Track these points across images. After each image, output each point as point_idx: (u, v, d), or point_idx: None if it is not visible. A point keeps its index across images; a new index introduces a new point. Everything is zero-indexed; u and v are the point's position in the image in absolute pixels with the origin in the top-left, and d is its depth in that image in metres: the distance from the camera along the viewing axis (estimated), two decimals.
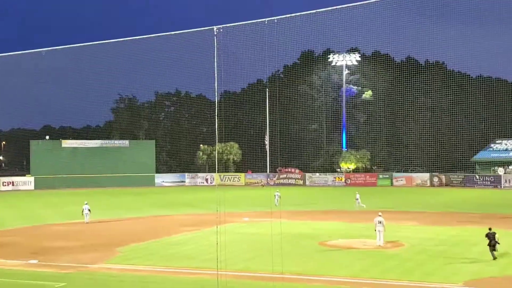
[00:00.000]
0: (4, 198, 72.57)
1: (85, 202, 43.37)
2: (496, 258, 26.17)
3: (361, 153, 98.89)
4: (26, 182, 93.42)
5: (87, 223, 41.91)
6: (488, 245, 26.58)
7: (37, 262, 27.00)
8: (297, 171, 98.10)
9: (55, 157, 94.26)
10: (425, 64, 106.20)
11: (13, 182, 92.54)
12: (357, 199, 51.78)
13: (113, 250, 30.96)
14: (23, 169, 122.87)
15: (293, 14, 35.63)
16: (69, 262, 26.75)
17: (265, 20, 32.35)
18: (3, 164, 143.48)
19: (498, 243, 26.47)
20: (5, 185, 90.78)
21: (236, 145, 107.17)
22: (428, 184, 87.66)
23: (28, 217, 49.66)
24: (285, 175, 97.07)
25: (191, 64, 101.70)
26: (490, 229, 27.16)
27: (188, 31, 40.87)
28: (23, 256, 27.87)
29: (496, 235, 26.65)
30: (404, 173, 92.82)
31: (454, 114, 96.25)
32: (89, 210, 43.27)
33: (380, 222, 30.49)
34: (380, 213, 31.10)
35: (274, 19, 32.31)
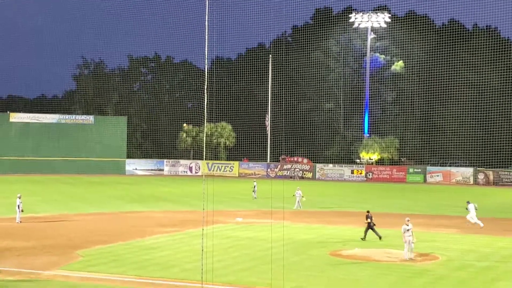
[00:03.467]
0: None
1: (18, 195, 42.67)
2: None
3: (387, 141, 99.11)
4: None
5: (18, 223, 41.46)
6: None
7: None
8: (305, 161, 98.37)
9: (1, 134, 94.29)
10: (473, 29, 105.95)
11: None
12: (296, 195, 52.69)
13: (72, 254, 31.07)
14: None
15: None
16: (17, 267, 26.85)
17: None
18: None
19: None
20: None
21: (229, 127, 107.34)
22: (471, 182, 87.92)
23: None
24: (290, 166, 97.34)
25: (175, 22, 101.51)
26: (368, 211, 32.69)
27: None
28: None
29: None
30: (441, 167, 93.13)
31: (507, 93, 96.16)
32: (19, 206, 41.41)
33: (409, 231, 30.54)
34: (408, 219, 31.13)
35: None
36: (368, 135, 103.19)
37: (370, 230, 35.84)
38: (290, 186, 58.75)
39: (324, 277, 26.80)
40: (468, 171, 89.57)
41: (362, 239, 35.56)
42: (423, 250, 32.32)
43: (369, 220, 35.83)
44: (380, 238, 35.44)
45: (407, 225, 30.60)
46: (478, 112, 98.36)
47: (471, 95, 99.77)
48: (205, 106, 24.40)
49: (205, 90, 25.29)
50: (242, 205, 55.75)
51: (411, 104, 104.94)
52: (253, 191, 61.61)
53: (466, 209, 43.59)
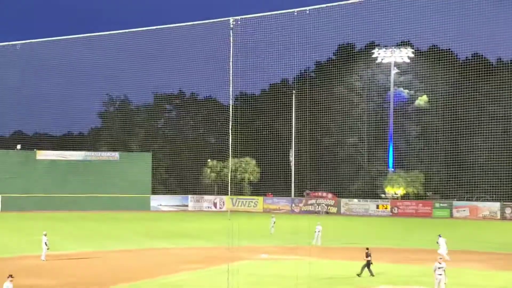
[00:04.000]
0: None
1: (44, 233, 42.98)
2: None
3: (412, 175, 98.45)
4: None
5: (43, 260, 41.63)
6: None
7: None
8: (329, 195, 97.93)
9: (27, 172, 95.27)
10: (497, 63, 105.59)
11: None
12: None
13: None
14: None
15: (330, 4, 35.66)
16: None
17: (294, 11, 32.38)
18: None
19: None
20: None
21: (253, 162, 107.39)
22: (499, 217, 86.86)
23: None
24: (314, 201, 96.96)
25: (200, 60, 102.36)
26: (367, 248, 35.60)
27: (198, 23, 40.85)
28: None
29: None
30: (467, 202, 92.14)
31: None
32: (46, 243, 41.79)
33: (440, 269, 29.88)
34: (441, 257, 30.56)
35: (306, 10, 32.33)
36: (393, 169, 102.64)
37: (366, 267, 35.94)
38: (315, 222, 58.41)
39: None
40: (495, 205, 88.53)
41: (358, 275, 35.49)
42: (451, 286, 31.88)
43: (369, 258, 35.90)
44: (372, 275, 35.58)
45: (440, 263, 29.91)
46: (504, 146, 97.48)
47: (497, 129, 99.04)
48: (230, 141, 24.52)
49: (230, 126, 25.46)
50: (266, 241, 55.50)
51: (436, 138, 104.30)
52: (271, 226, 61.18)
53: (437, 242, 43.55)
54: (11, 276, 25.10)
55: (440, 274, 29.69)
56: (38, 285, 32.12)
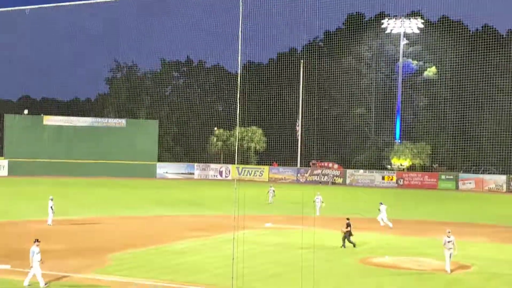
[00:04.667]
0: None
1: (50, 197, 43.39)
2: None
3: (419, 147, 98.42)
4: None
5: (50, 225, 42.07)
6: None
7: (10, 268, 27.54)
8: (335, 166, 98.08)
9: (34, 137, 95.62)
10: (507, 34, 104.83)
11: None
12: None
13: (104, 257, 31.44)
14: None
15: None
16: (49, 270, 27.16)
17: None
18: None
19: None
20: None
21: (260, 131, 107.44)
22: (504, 190, 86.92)
23: (0, 210, 50.54)
24: (320, 171, 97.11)
25: (208, 27, 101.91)
26: (348, 219, 36.17)
27: None
28: None
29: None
30: (473, 174, 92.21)
31: None
32: (52, 208, 42.27)
33: (450, 242, 29.72)
34: (449, 231, 30.43)
35: None
36: (399, 141, 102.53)
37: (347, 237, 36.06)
38: (321, 192, 58.58)
39: (353, 285, 26.75)
40: (501, 178, 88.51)
41: (342, 247, 35.52)
42: (454, 259, 32.04)
43: (349, 229, 35.82)
44: (354, 246, 35.67)
45: (448, 237, 29.78)
46: None
47: (505, 101, 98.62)
48: (238, 109, 24.49)
49: (238, 93, 25.41)
50: (270, 210, 55.78)
51: (443, 110, 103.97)
52: (270, 196, 62.01)
53: (379, 210, 45.30)
54: (37, 240, 25.44)
55: (450, 248, 29.52)
56: (45, 249, 32.37)
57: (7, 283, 25.20)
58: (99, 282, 26.11)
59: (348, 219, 36.60)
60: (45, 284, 24.75)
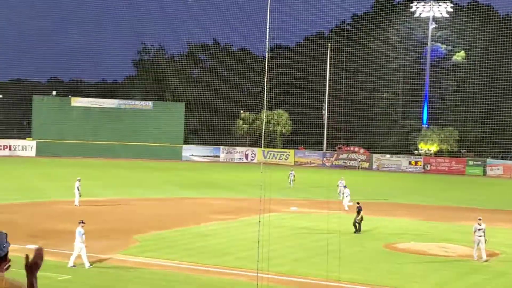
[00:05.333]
0: (0, 165, 74.70)
1: (77, 178, 43.69)
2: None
3: (446, 132, 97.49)
4: (26, 147, 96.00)
5: (77, 206, 42.37)
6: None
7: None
8: (362, 150, 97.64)
9: (62, 118, 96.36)
10: None
11: (10, 146, 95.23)
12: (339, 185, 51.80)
13: (129, 238, 31.64)
14: (22, 130, 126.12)
15: None
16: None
17: None
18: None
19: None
20: (0, 149, 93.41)
21: (286, 114, 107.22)
22: None
23: (27, 190, 51.07)
24: (346, 155, 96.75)
25: (235, 10, 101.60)
26: (358, 202, 35.75)
27: None
28: (19, 240, 28.70)
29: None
30: (501, 161, 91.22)
31: None
32: (79, 189, 42.62)
33: (480, 230, 29.13)
34: (480, 218, 29.91)
35: None
36: (427, 125, 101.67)
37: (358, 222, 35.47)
38: (346, 176, 58.33)
39: (378, 270, 26.62)
40: None
41: (355, 232, 34.99)
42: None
43: (360, 214, 35.32)
44: (359, 232, 35.18)
45: (479, 225, 29.20)
46: None
47: None
48: (265, 92, 24.37)
49: (265, 76, 25.27)
50: (296, 194, 55.71)
51: (472, 95, 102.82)
52: (290, 180, 61.76)
53: (342, 193, 46.10)
54: (82, 221, 25.75)
55: (480, 236, 28.89)
56: (72, 230, 32.64)
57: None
58: (124, 263, 26.27)
59: (358, 203, 36.20)
60: (90, 265, 25.00)
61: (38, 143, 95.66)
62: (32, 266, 4.65)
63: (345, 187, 46.34)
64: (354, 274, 25.07)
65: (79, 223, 25.83)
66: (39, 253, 4.70)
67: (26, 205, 42.91)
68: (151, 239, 31.83)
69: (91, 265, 25.11)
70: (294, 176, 62.44)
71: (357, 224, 35.19)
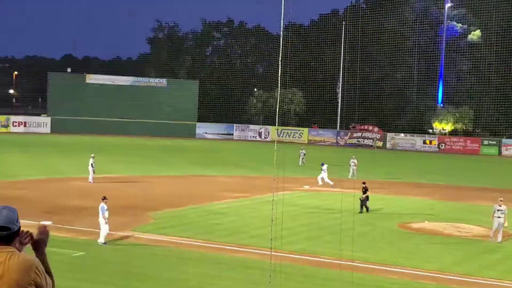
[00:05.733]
0: (15, 142, 75.12)
1: (91, 155, 43.93)
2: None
3: (461, 111, 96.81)
4: (41, 123, 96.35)
5: (91, 182, 42.61)
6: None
7: (51, 224, 27.91)
8: (376, 129, 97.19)
9: (77, 95, 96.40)
10: None
11: (25, 123, 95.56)
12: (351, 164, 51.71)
13: (144, 215, 31.72)
14: (37, 107, 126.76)
15: None
16: (89, 227, 27.48)
17: None
18: (14, 100, 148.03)
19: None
20: (15, 126, 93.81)
21: (300, 93, 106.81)
22: None
23: (42, 167, 51.31)
24: (360, 134, 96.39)
25: None
26: (364, 183, 35.23)
27: None
28: (34, 215, 28.85)
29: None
30: None
31: None
32: (92, 165, 43.11)
33: (499, 211, 28.64)
34: (501, 199, 29.39)
35: None
36: (441, 105, 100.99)
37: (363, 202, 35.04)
38: (359, 155, 58.07)
39: (392, 249, 26.55)
40: None
41: (361, 212, 34.36)
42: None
43: (367, 194, 34.85)
44: (365, 211, 34.78)
45: (500, 205, 28.78)
46: None
47: None
48: (279, 70, 24.21)
49: (280, 54, 25.12)
50: (309, 172, 55.56)
51: (487, 74, 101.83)
52: (301, 158, 61.37)
53: (321, 169, 45.68)
54: (105, 197, 25.84)
55: (499, 217, 28.46)
56: (86, 206, 32.80)
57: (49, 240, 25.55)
58: (138, 240, 26.34)
59: (364, 183, 35.67)
60: (105, 243, 25.02)
61: (53, 120, 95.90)
62: (38, 243, 4.64)
63: (322, 164, 46.08)
64: (367, 253, 25.02)
65: (102, 199, 25.81)
66: (43, 230, 4.68)
67: (41, 182, 43.11)
68: (165, 216, 31.89)
69: (105, 243, 25.12)
70: (304, 155, 62.12)
71: (362, 204, 34.83)
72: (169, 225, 29.52)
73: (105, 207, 25.46)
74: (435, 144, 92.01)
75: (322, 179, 45.24)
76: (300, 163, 60.74)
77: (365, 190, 35.10)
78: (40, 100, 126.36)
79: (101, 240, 25.09)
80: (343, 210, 30.29)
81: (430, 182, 52.37)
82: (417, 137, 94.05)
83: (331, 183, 44.30)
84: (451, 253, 26.24)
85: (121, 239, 26.39)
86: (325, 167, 45.54)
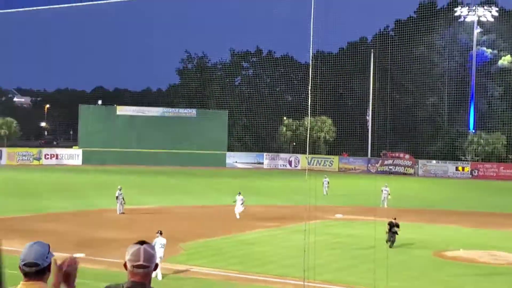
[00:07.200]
0: (47, 174, 75.82)
1: (118, 187, 44.07)
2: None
3: (494, 137, 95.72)
4: (72, 155, 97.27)
5: (121, 213, 42.68)
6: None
7: (84, 256, 27.93)
8: (407, 156, 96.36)
9: (108, 127, 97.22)
10: None
11: (57, 155, 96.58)
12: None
13: (175, 246, 31.57)
14: (69, 139, 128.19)
15: None
16: (122, 259, 27.22)
17: None
18: (46, 132, 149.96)
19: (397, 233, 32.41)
20: (47, 158, 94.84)
21: (329, 121, 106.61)
22: None
23: (74, 199, 51.61)
24: (391, 161, 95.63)
25: (276, 16, 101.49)
26: (395, 218, 33.21)
27: None
28: (67, 248, 28.91)
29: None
30: None
31: None
32: (123, 198, 43.31)
33: None
34: None
35: None
36: (473, 131, 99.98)
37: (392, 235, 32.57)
38: (391, 183, 57.52)
39: (427, 278, 26.09)
40: None
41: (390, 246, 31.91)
42: None
43: (393, 230, 32.44)
44: (391, 245, 32.13)
45: None
46: None
47: None
48: (309, 98, 24.21)
49: (310, 83, 25.12)
50: (341, 200, 55.14)
51: None
52: (324, 187, 59.17)
53: (237, 200, 42.67)
54: (160, 232, 25.89)
55: None
56: (118, 238, 32.82)
57: (82, 272, 25.55)
58: (170, 272, 26.19)
59: (395, 218, 33.34)
60: (161, 278, 24.60)
61: (84, 152, 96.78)
62: (67, 275, 4.55)
63: (239, 193, 43.25)
64: (402, 282, 24.59)
65: (157, 233, 25.58)
66: (71, 262, 4.60)
67: (73, 214, 43.33)
68: (197, 246, 31.78)
69: (162, 277, 24.69)
70: (328, 183, 60.20)
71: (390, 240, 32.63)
72: (199, 255, 29.38)
73: (162, 241, 25.07)
74: (468, 171, 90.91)
75: (239, 209, 42.29)
76: (324, 192, 59.53)
77: (390, 227, 32.86)
78: (71, 132, 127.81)
79: (159, 277, 24.49)
80: (377, 239, 29.90)
81: (463, 210, 51.60)
82: (449, 163, 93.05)
83: (238, 216, 41.73)
84: (488, 282, 25.69)
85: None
86: (240, 197, 42.71)
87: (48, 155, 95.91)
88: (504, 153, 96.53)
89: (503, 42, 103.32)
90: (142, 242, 4.64)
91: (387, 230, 32.46)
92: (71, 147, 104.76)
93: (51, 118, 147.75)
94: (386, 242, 31.89)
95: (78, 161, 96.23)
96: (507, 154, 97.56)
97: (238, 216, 41.93)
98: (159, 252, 24.16)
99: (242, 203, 42.77)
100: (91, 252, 29.25)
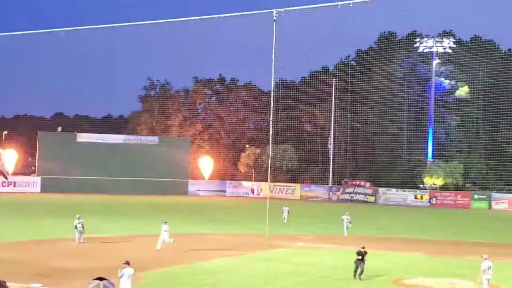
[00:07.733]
0: (3, 203, 74.46)
1: (77, 216, 43.40)
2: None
3: (451, 166, 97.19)
4: (30, 183, 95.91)
5: (80, 243, 41.99)
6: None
7: (41, 286, 27.46)
8: (367, 184, 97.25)
9: (67, 154, 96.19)
10: None
11: (14, 183, 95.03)
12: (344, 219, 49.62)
13: (135, 276, 31.18)
14: (27, 167, 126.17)
15: None
16: None
17: (338, 4, 31.94)
18: (3, 159, 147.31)
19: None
20: (5, 185, 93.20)
21: (291, 149, 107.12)
22: None
23: (32, 228, 50.75)
24: (352, 189, 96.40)
25: (239, 45, 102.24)
26: (363, 247, 31.18)
27: (241, 14, 39.22)
28: (23, 278, 28.40)
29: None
30: (506, 194, 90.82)
31: None
32: (83, 226, 42.26)
33: (490, 268, 28.43)
34: (486, 257, 29.14)
35: (350, 3, 31.74)
36: (432, 159, 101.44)
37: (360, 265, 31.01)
38: (352, 210, 57.88)
39: None
40: None
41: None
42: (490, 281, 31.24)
43: (360, 257, 30.85)
44: (356, 277, 30.62)
45: (487, 263, 28.17)
46: None
47: None
48: (271, 126, 24.35)
49: (271, 111, 25.28)
50: (302, 228, 55.25)
51: (476, 129, 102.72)
52: (284, 215, 59.10)
53: (163, 230, 41.18)
54: (127, 262, 24.43)
55: (489, 275, 27.74)
56: (76, 268, 32.38)
57: None
58: None
59: (363, 247, 31.75)
60: None
61: (43, 179, 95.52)
62: None
63: (165, 223, 41.04)
64: None
65: (125, 263, 24.30)
66: None
67: (31, 243, 42.57)
68: (158, 276, 31.43)
69: None
70: (288, 212, 59.89)
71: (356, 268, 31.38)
72: (162, 285, 29.08)
73: (129, 272, 23.75)
74: (426, 199, 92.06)
75: (163, 240, 40.43)
76: (284, 220, 59.17)
77: (358, 255, 31.52)
78: (29, 159, 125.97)
79: None
80: (337, 267, 30.01)
81: (422, 237, 52.12)
82: (409, 192, 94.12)
83: (158, 247, 40.10)
84: None
85: None
86: (166, 226, 41.00)
87: (5, 182, 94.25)
88: (461, 181, 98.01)
89: (460, 73, 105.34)
90: (101, 278, 4.64)
91: (355, 260, 31.07)
92: (29, 174, 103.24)
93: (9, 145, 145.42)
94: (354, 271, 30.54)
95: (36, 188, 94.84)
96: (464, 182, 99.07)
97: (158, 247, 39.99)
98: (127, 284, 23.55)
99: (167, 233, 40.58)
100: (48, 282, 28.73)
